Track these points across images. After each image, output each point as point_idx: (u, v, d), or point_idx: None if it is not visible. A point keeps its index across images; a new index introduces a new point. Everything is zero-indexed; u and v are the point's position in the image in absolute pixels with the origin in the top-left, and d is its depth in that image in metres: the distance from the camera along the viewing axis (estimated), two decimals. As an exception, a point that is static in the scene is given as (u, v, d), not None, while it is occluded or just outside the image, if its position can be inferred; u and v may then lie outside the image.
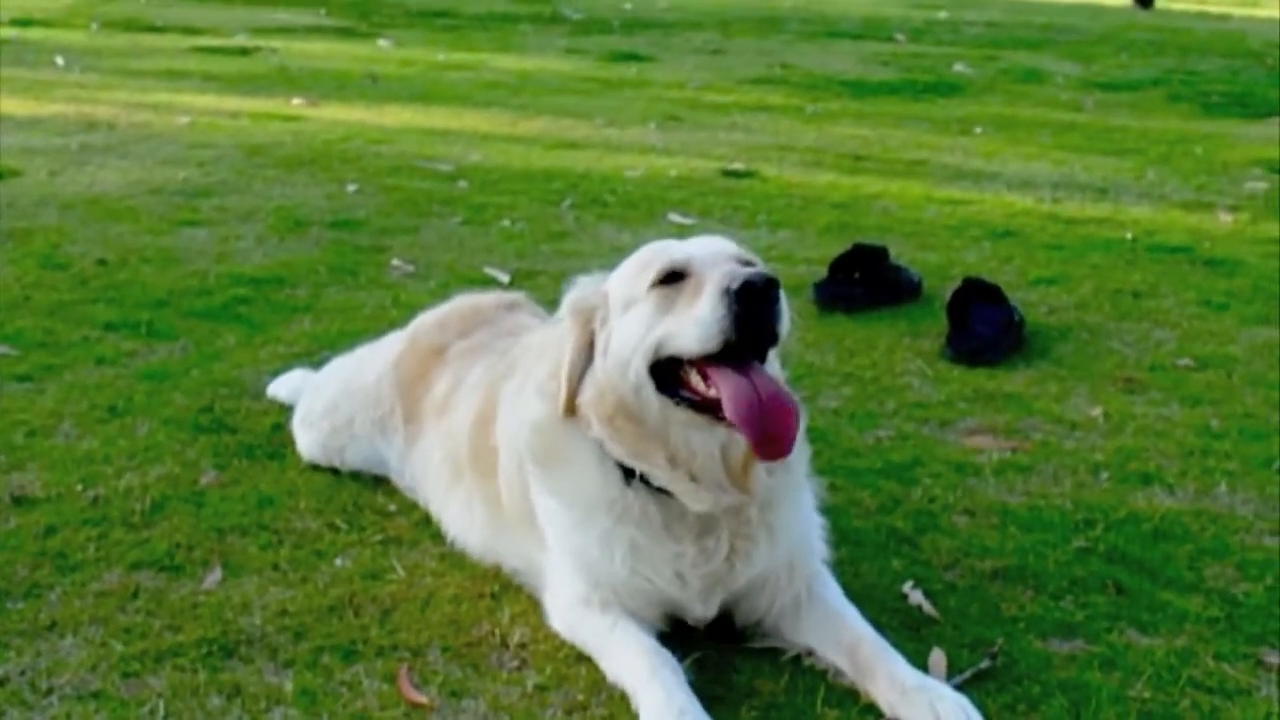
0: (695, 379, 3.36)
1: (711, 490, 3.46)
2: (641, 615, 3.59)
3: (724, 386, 3.30)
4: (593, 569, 3.58)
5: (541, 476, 3.67)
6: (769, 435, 3.28)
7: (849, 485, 4.66)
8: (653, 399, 3.41)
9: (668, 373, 3.39)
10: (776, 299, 3.28)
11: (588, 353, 3.56)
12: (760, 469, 3.50)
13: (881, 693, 3.42)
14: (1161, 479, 4.82)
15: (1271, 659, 3.68)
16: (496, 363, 4.18)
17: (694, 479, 3.45)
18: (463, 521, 4.14)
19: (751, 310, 3.24)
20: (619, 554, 3.54)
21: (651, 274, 3.43)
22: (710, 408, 3.33)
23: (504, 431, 3.87)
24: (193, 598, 3.85)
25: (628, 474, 3.51)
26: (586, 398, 3.52)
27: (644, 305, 3.42)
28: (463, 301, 4.77)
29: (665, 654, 3.47)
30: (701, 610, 3.61)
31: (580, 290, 3.65)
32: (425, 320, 4.72)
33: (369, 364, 4.71)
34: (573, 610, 3.66)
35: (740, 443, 3.44)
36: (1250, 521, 4.49)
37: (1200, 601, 3.97)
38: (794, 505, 3.68)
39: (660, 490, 3.49)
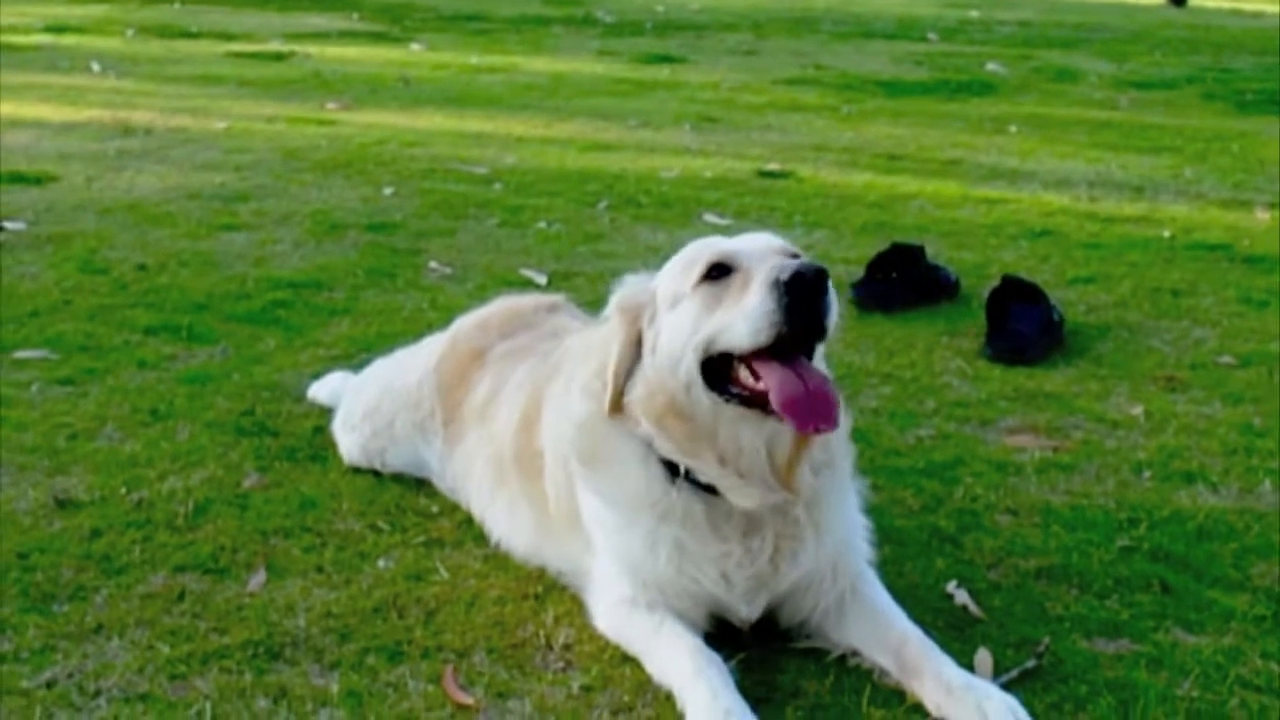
0: (744, 374, 3.36)
1: (758, 487, 3.46)
2: (687, 616, 3.58)
3: (771, 377, 3.30)
4: (638, 569, 3.58)
5: (586, 476, 3.66)
6: (814, 415, 3.28)
7: (891, 485, 4.65)
8: (703, 397, 3.41)
9: (717, 369, 3.39)
10: (826, 290, 3.29)
11: (635, 351, 3.55)
12: (805, 468, 3.51)
13: (928, 693, 3.42)
14: (1205, 477, 4.80)
15: (1319, 657, 3.67)
16: (540, 364, 4.17)
17: (741, 476, 3.45)
18: (508, 524, 4.14)
19: (802, 301, 3.24)
20: (664, 553, 3.54)
21: (698, 269, 3.42)
22: (759, 401, 3.33)
23: (549, 433, 3.87)
24: (238, 600, 3.86)
25: (673, 472, 3.51)
26: (636, 396, 3.52)
27: (691, 301, 3.42)
28: (503, 304, 4.77)
29: (711, 654, 3.46)
30: (746, 611, 3.60)
31: (628, 288, 3.65)
32: (465, 323, 4.72)
33: (409, 366, 4.72)
34: (618, 610, 3.66)
35: (786, 440, 3.45)
36: (1295, 519, 4.48)
37: (1246, 600, 3.95)
38: (839, 505, 3.67)
39: (706, 489, 3.49)
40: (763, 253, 3.45)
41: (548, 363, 4.12)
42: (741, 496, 3.47)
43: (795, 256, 3.44)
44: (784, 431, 3.45)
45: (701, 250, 3.50)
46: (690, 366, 3.40)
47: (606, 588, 3.69)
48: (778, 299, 3.24)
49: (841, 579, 3.68)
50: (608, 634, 3.68)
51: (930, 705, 3.40)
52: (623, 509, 3.59)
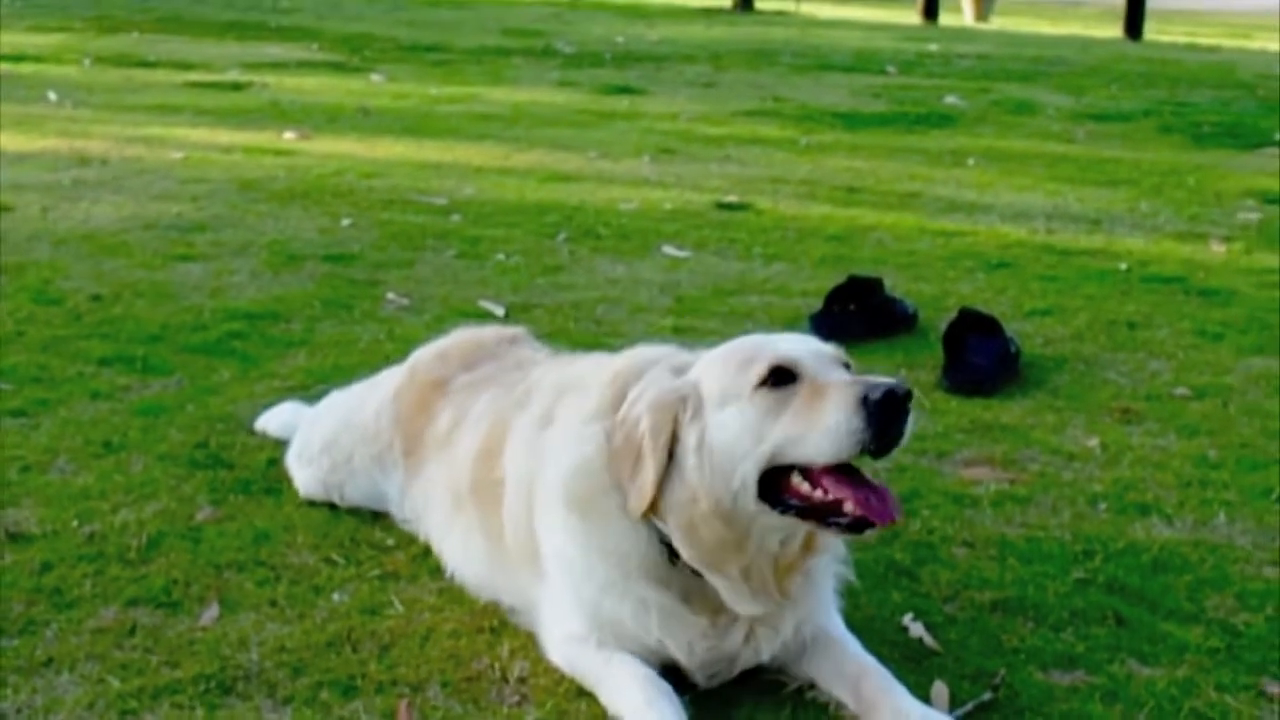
0: (800, 484, 3.31)
1: (760, 598, 3.44)
2: (640, 657, 3.57)
3: (842, 488, 3.29)
4: (608, 622, 3.55)
5: (570, 523, 3.57)
6: (888, 511, 3.30)
7: (847, 517, 4.64)
8: (750, 506, 3.34)
9: (769, 479, 3.33)
10: (909, 410, 3.25)
11: (669, 450, 3.43)
12: (799, 576, 3.50)
13: None
14: (1160, 510, 4.81)
15: (1273, 689, 3.68)
16: (504, 395, 4.13)
17: (749, 586, 3.43)
18: (462, 554, 4.12)
19: (889, 421, 3.20)
20: (653, 620, 3.50)
21: (757, 372, 3.33)
22: (817, 513, 3.30)
23: (513, 465, 3.83)
24: (190, 634, 3.83)
25: (672, 551, 3.47)
26: (675, 499, 3.41)
27: (750, 406, 3.32)
28: (462, 335, 4.74)
29: (663, 684, 3.45)
30: (705, 682, 3.58)
31: (658, 384, 3.51)
32: (424, 354, 4.68)
33: (367, 400, 4.69)
34: (570, 644, 3.63)
35: (795, 547, 3.44)
36: (1249, 552, 4.49)
37: (1200, 632, 3.97)
38: (820, 598, 3.67)
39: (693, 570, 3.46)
40: (822, 359, 3.40)
41: (513, 393, 4.08)
42: (743, 606, 3.45)
43: (847, 365, 3.42)
44: (796, 539, 3.44)
45: (758, 351, 3.41)
46: (748, 475, 3.32)
47: (559, 621, 3.66)
48: (866, 418, 3.19)
49: (805, 631, 3.65)
50: (561, 666, 3.66)
51: (888, 738, 3.42)
52: (609, 569, 3.53)
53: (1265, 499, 4.92)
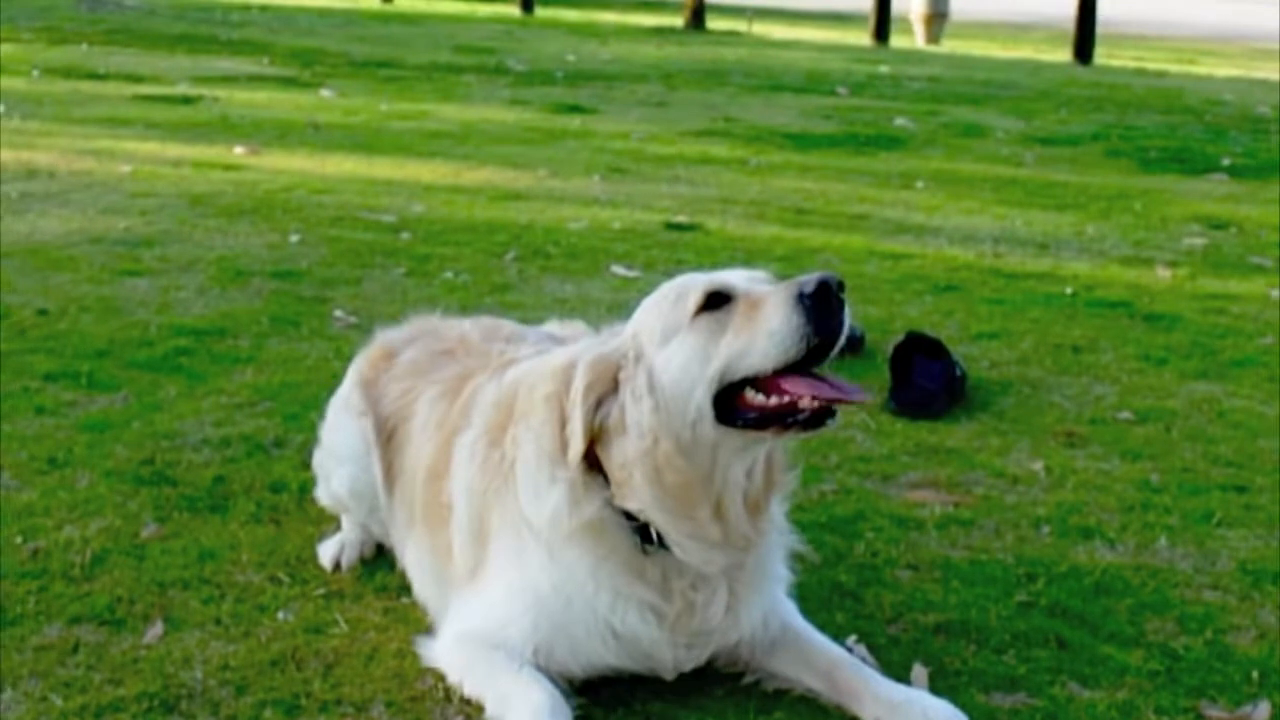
0: (755, 396, 3.32)
1: (721, 551, 3.45)
2: (579, 670, 3.58)
3: (798, 385, 3.29)
4: (557, 620, 3.54)
5: (554, 554, 3.56)
6: (848, 392, 3.32)
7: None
8: (709, 431, 3.34)
9: (724, 400, 3.34)
10: (844, 299, 3.29)
11: (606, 405, 3.45)
12: (774, 502, 3.56)
13: (869, 711, 3.52)
14: (1102, 533, 4.85)
15: (1211, 712, 3.72)
16: (446, 408, 4.05)
17: (720, 528, 3.43)
18: (415, 568, 4.10)
19: (827, 311, 3.24)
20: (630, 612, 3.51)
21: (693, 300, 3.37)
22: (777, 418, 3.30)
23: (460, 484, 3.78)
24: (134, 652, 3.82)
25: (643, 538, 3.48)
26: (630, 451, 3.41)
27: (691, 334, 3.35)
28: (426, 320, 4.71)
29: (563, 705, 3.45)
30: (671, 674, 3.62)
31: (591, 350, 3.53)
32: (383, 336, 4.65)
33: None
34: (472, 646, 3.62)
35: (756, 480, 3.46)
36: (1190, 576, 4.53)
37: (1141, 655, 4.00)
38: (775, 558, 3.72)
39: (664, 547, 3.46)
40: (754, 280, 3.45)
41: (455, 408, 4.01)
42: (706, 562, 3.47)
43: None
44: (758, 467, 3.47)
45: (689, 283, 3.45)
46: (702, 399, 3.33)
47: (476, 618, 3.64)
48: (805, 312, 3.23)
49: (773, 625, 3.72)
50: (447, 663, 3.66)
51: (873, 721, 3.50)
52: (598, 578, 3.52)
53: (1206, 523, 4.96)
